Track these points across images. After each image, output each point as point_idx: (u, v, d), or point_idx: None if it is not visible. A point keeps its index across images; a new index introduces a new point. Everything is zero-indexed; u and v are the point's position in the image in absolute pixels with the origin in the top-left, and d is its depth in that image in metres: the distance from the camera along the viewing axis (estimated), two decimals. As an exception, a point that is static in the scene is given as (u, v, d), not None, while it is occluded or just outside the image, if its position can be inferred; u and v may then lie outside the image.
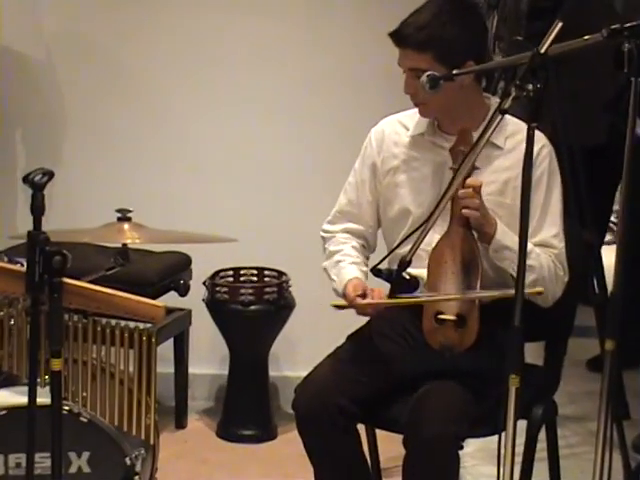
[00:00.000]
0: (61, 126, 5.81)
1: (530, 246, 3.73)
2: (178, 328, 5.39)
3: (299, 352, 5.53)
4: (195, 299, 5.46)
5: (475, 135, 3.88)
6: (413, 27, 3.99)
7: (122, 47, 5.74)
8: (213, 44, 5.74)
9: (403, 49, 4.02)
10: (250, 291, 5.55)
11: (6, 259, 4.26)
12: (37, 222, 3.27)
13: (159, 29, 5.73)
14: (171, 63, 5.75)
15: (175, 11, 5.71)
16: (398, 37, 4.01)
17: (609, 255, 4.40)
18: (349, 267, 4.16)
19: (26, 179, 3.31)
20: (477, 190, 3.85)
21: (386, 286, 3.97)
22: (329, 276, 4.23)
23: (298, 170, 5.70)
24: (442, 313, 3.89)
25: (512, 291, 3.46)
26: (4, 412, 4.05)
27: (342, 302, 4.03)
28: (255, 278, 5.66)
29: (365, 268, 4.17)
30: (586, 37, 3.55)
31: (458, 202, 3.87)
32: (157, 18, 5.73)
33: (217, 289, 5.57)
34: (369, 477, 4.34)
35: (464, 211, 3.86)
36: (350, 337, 4.27)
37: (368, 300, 3.95)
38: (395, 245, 4.08)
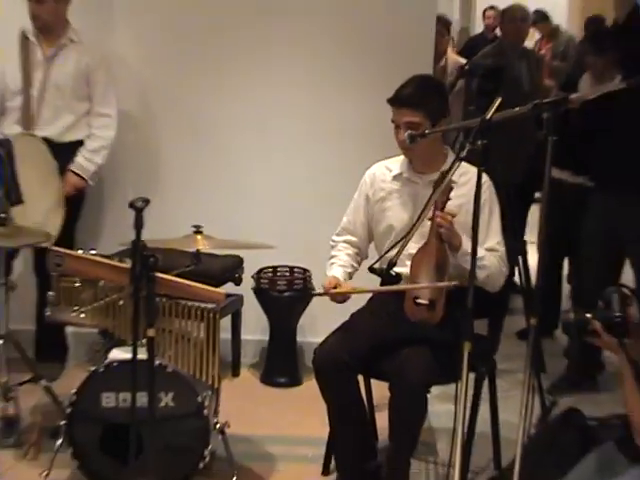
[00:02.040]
0: (156, 165, 5.82)
1: (483, 252, 3.89)
2: (234, 308, 5.38)
3: (317, 325, 5.50)
4: (246, 288, 5.45)
5: (437, 173, 3.99)
6: (408, 94, 4.10)
7: (201, 102, 5.76)
8: (263, 96, 5.76)
9: (400, 108, 4.10)
10: (284, 282, 5.59)
11: (117, 259, 4.30)
12: (138, 234, 3.30)
13: (228, 92, 5.74)
14: (233, 117, 5.73)
15: (241, 80, 5.74)
16: (398, 100, 4.12)
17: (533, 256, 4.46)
18: (335, 268, 4.29)
19: (131, 205, 3.34)
20: (453, 216, 3.95)
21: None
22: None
23: (317, 196, 5.70)
24: (419, 298, 3.94)
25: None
26: (116, 363, 4.09)
27: (319, 291, 4.25)
28: (287, 273, 5.66)
29: (350, 269, 4.33)
30: (517, 108, 3.58)
31: (436, 224, 3.95)
32: (228, 83, 5.75)
33: (261, 281, 5.59)
34: (364, 412, 4.34)
35: (440, 230, 3.94)
36: (353, 315, 4.30)
37: (336, 290, 4.08)
38: (384, 251, 4.14)
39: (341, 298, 4.11)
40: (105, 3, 5.67)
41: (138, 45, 5.74)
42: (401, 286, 4.05)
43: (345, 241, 4.41)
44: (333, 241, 4.44)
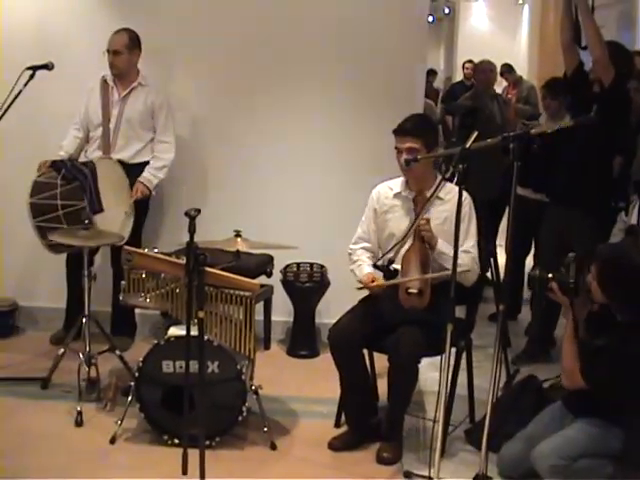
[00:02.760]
0: (204, 181, 5.82)
1: (461, 254, 3.79)
2: (266, 295, 5.35)
3: (331, 309, 5.46)
4: (275, 280, 5.43)
5: (429, 191, 4.11)
6: (411, 126, 4.19)
7: (239, 130, 5.74)
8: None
9: (404, 137, 4.17)
10: (305, 275, 5.55)
11: (174, 256, 4.29)
12: (191, 237, 3.28)
13: (261, 121, 5.72)
14: (265, 141, 5.71)
15: (269, 111, 5.71)
16: (402, 131, 4.19)
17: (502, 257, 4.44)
18: (366, 267, 4.28)
19: (186, 213, 3.32)
20: (428, 221, 4.01)
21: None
22: (354, 273, 4.32)
23: (332, 206, 5.68)
24: (410, 289, 3.97)
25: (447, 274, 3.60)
26: (173, 338, 4.09)
27: (360, 285, 4.20)
28: (308, 268, 5.61)
29: (372, 268, 4.26)
30: (489, 140, 3.58)
31: (418, 229, 3.99)
32: (261, 115, 5.72)
33: (287, 274, 5.56)
34: (368, 378, 4.36)
35: (422, 232, 3.95)
36: (360, 301, 4.29)
37: (375, 283, 4.13)
38: (385, 252, 4.19)
39: (378, 290, 4.15)
40: (167, 55, 5.65)
41: (192, 86, 5.73)
42: (413, 278, 4.02)
43: (362, 248, 4.38)
44: (351, 249, 4.42)
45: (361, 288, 4.20)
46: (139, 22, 5.39)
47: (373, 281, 4.15)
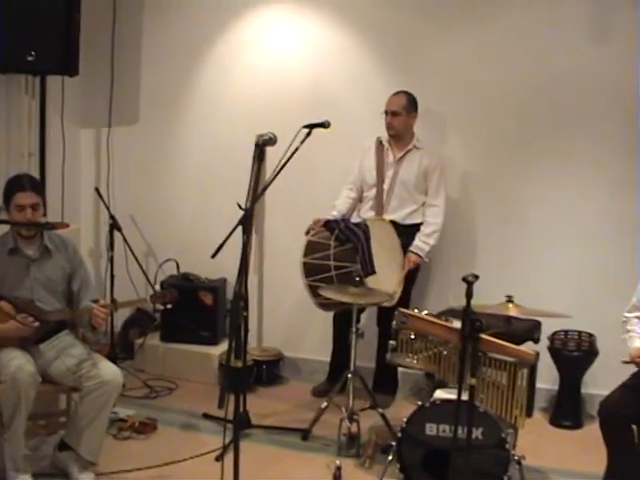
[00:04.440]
0: (473, 244, 5.90)
1: None
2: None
3: (599, 379, 5.32)
4: (542, 346, 5.32)
5: None
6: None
7: (509, 190, 5.79)
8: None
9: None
10: (573, 344, 5.48)
11: (444, 318, 4.37)
12: (468, 302, 3.41)
13: (532, 185, 5.75)
14: (535, 204, 5.73)
15: (541, 176, 5.71)
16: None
17: None
18: (637, 340, 4.14)
19: (464, 279, 3.43)
20: None
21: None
22: (625, 343, 4.19)
23: (605, 274, 5.57)
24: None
25: None
26: (439, 401, 4.16)
27: (627, 359, 4.06)
28: (576, 336, 5.51)
29: None
30: None
31: None
32: (534, 178, 5.75)
33: (555, 342, 5.51)
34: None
35: None
36: (633, 374, 4.15)
37: None
38: None
39: None
40: (439, 119, 5.82)
41: (462, 147, 5.85)
42: None
43: (637, 317, 4.24)
44: (625, 317, 4.28)
45: (627, 362, 4.05)
46: (414, 84, 5.62)
47: None
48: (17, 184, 4.40)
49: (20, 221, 4.31)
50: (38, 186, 4.50)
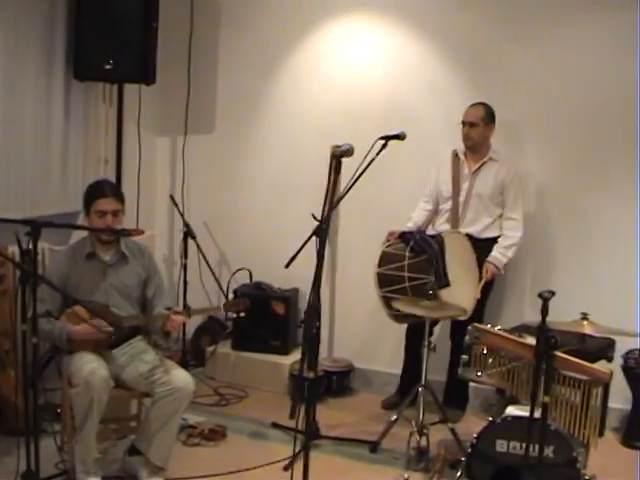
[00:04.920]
0: (550, 258, 5.83)
1: None
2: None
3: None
4: (615, 365, 5.22)
5: None
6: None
7: (593, 204, 5.71)
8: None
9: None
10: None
11: (517, 334, 4.32)
12: (543, 318, 3.38)
13: (616, 209, 5.67)
14: (616, 217, 5.65)
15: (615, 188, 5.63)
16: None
17: None
18: None
19: (540, 295, 3.41)
20: None
21: None
22: None
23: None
24: None
25: None
26: (510, 418, 4.12)
27: None
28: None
29: None
30: None
31: None
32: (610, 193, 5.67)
33: (629, 360, 5.41)
34: None
35: None
36: None
37: None
38: None
39: None
40: (517, 129, 5.79)
41: (540, 160, 5.80)
42: None
43: None
44: None
45: None
46: (491, 96, 5.60)
47: None
48: (99, 190, 4.49)
49: (99, 227, 4.41)
50: (119, 193, 4.59)
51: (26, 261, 3.77)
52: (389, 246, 5.35)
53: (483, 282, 5.36)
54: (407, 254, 5.20)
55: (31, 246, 3.75)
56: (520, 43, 5.73)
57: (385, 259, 5.25)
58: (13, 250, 4.81)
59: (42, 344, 4.30)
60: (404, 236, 5.34)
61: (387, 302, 5.12)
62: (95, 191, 4.49)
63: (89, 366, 4.22)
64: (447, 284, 5.07)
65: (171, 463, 4.50)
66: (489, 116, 5.49)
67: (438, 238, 5.24)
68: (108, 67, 5.59)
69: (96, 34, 5.59)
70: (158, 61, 5.90)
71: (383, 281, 5.19)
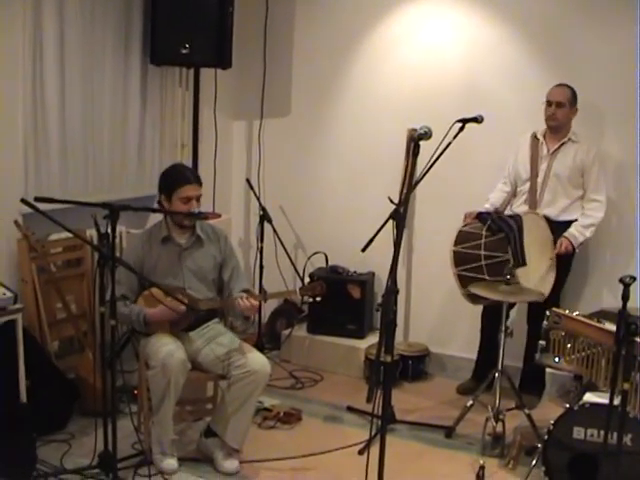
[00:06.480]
0: (630, 245, 5.70)
1: None
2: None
3: None
4: None
5: None
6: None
7: None
8: None
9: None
10: None
11: (595, 320, 4.25)
12: (624, 305, 3.29)
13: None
14: None
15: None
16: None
17: None
18: None
19: (621, 280, 3.33)
20: None
21: None
22: None
23: None
24: None
25: None
26: (588, 405, 4.08)
27: None
28: None
29: None
30: None
31: None
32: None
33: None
34: None
35: None
36: None
37: None
38: None
39: None
40: (596, 112, 5.67)
41: (621, 143, 5.65)
42: None
43: None
44: None
45: None
46: (569, 78, 5.50)
47: None
48: (183, 176, 4.53)
49: (178, 211, 4.46)
50: (199, 178, 4.64)
51: (104, 244, 3.85)
52: (465, 225, 5.35)
53: (555, 253, 5.28)
54: (484, 232, 5.18)
55: (109, 229, 3.83)
56: (598, 25, 5.62)
57: (461, 238, 5.24)
58: (91, 233, 4.92)
59: (119, 326, 4.38)
60: (481, 216, 5.34)
61: (462, 281, 5.11)
62: (179, 177, 4.53)
63: (166, 348, 4.29)
64: (524, 263, 5.03)
65: (246, 445, 4.57)
66: (574, 97, 5.42)
67: (517, 218, 5.21)
68: (184, 51, 5.66)
69: (172, 18, 5.66)
70: (234, 45, 5.94)
71: (459, 260, 5.17)
